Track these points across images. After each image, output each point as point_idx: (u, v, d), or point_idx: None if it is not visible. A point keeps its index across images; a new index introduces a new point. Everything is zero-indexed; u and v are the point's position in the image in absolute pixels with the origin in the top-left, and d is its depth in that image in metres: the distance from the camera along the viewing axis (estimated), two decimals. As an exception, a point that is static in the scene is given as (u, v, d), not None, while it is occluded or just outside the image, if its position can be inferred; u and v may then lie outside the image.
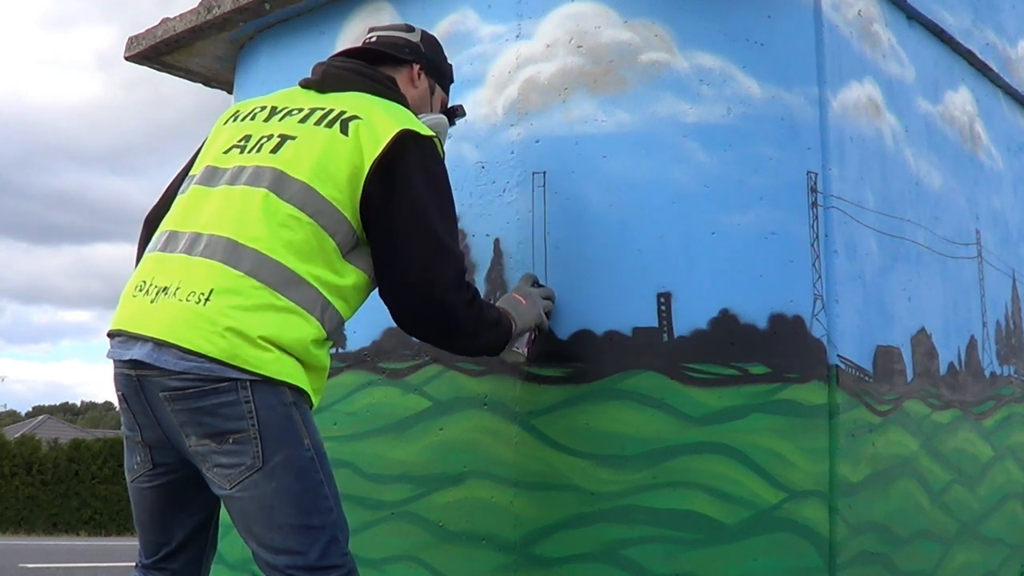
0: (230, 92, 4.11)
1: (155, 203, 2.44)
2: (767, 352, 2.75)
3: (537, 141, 2.87)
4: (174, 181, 2.43)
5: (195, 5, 3.77)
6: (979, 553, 3.61)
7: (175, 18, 3.87)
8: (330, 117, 2.13)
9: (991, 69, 4.03)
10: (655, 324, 2.72)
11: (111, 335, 2.12)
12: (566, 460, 2.69)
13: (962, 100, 3.85)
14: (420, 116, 2.30)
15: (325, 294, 2.07)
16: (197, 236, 2.07)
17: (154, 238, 2.22)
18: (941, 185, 3.61)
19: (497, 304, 2.45)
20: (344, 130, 2.09)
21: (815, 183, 2.89)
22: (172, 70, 4.16)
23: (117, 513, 20.69)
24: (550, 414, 2.73)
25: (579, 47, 2.88)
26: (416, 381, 2.99)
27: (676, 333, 2.71)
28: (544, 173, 2.84)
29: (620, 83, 2.84)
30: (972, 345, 3.71)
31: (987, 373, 3.81)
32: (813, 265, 2.85)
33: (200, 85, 4.27)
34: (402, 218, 2.08)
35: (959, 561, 3.46)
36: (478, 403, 2.84)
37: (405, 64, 2.45)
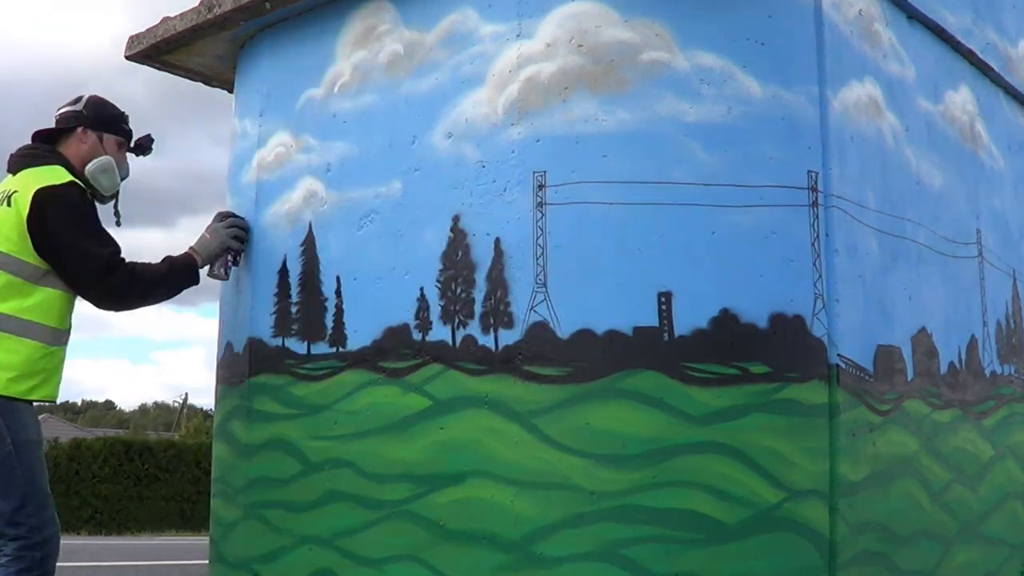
0: (230, 91, 4.11)
1: None
2: (767, 351, 2.75)
3: (538, 140, 2.87)
4: None
5: (196, 4, 3.77)
6: (980, 552, 3.61)
7: (175, 17, 3.87)
8: (4, 196, 3.07)
9: (992, 69, 4.03)
10: (656, 323, 2.72)
11: None
12: (566, 460, 2.69)
13: (963, 99, 3.85)
14: (91, 162, 3.23)
15: (24, 318, 2.99)
16: None
17: None
18: (942, 184, 3.61)
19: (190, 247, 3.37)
20: (9, 204, 3.05)
21: (815, 182, 2.89)
22: (173, 69, 4.16)
23: (118, 512, 20.63)
24: (550, 414, 2.73)
25: (580, 46, 2.88)
26: (416, 380, 3.00)
27: (676, 332, 2.71)
28: (544, 172, 2.84)
29: (621, 82, 2.84)
30: (972, 344, 3.71)
31: (987, 372, 3.81)
32: (814, 265, 2.85)
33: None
34: (54, 247, 3.03)
35: (960, 560, 3.46)
36: (478, 402, 2.84)
37: (73, 130, 3.29)
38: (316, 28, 3.49)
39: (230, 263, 3.43)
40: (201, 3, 3.73)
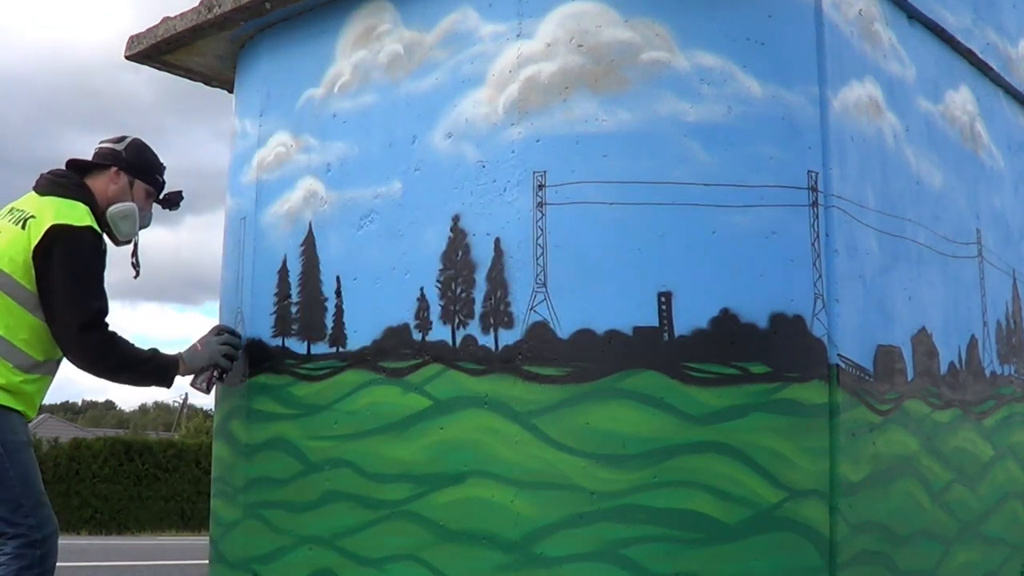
0: (230, 91, 4.11)
1: None
2: (768, 351, 2.75)
3: (538, 140, 2.87)
4: None
5: (196, 4, 3.77)
6: (980, 552, 3.61)
7: (175, 17, 3.87)
8: (22, 217, 3.10)
9: (992, 68, 4.03)
10: (656, 323, 2.72)
11: None
12: (566, 459, 2.69)
13: (963, 99, 3.85)
14: (115, 205, 3.25)
15: (10, 341, 3.01)
16: None
17: None
18: (942, 184, 3.61)
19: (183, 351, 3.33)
20: (24, 226, 3.07)
21: (815, 182, 2.89)
22: (173, 69, 4.16)
23: (118, 512, 20.62)
24: (550, 413, 2.73)
25: (580, 46, 2.88)
26: (416, 380, 3.00)
27: (677, 332, 2.71)
28: (544, 172, 2.84)
29: (621, 82, 2.84)
30: (973, 344, 3.71)
31: (987, 372, 3.81)
32: (814, 264, 2.85)
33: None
34: (50, 287, 3.02)
35: (960, 560, 3.46)
36: (478, 402, 2.84)
37: (107, 168, 3.30)
38: (316, 28, 3.49)
39: (214, 378, 3.38)
40: (201, 3, 3.73)
